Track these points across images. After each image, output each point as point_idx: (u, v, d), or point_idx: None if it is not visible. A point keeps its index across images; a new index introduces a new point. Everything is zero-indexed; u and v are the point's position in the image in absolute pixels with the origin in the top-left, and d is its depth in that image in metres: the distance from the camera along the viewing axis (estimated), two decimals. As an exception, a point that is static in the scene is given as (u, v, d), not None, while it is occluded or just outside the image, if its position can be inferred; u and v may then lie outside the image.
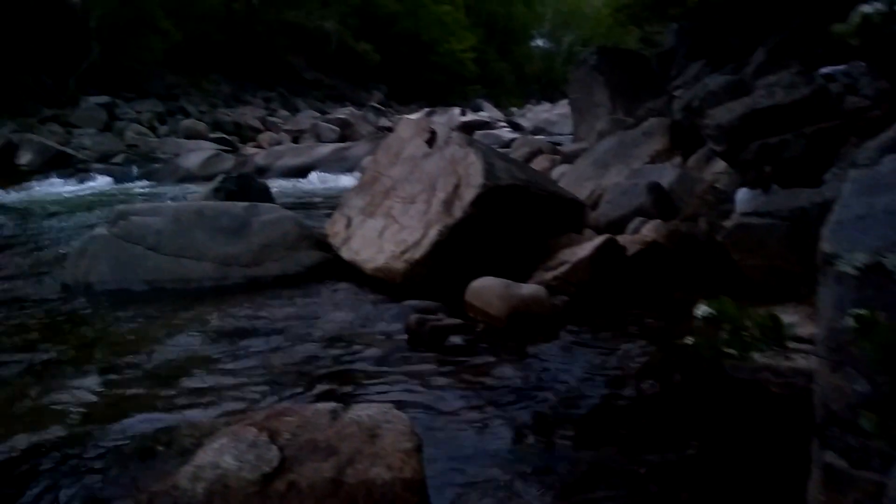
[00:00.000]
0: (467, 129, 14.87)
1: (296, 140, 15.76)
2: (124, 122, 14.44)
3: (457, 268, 3.06)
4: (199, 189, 8.08)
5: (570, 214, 3.55)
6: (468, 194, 3.11)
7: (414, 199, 3.38)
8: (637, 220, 3.44)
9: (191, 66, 19.56)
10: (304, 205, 6.21)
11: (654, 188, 3.60)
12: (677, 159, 4.48)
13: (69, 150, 11.71)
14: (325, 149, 10.95)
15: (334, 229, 3.71)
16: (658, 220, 3.33)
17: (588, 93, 7.73)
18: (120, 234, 3.41)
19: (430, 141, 3.63)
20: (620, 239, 3.06)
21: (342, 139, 15.62)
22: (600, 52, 8.12)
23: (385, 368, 2.19)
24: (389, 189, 3.59)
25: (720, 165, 3.91)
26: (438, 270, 3.08)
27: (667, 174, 3.87)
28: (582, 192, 4.42)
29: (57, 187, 8.69)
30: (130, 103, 15.99)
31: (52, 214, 6.27)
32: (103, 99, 14.94)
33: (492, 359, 2.25)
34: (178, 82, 18.97)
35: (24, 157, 10.98)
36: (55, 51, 15.41)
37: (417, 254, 3.08)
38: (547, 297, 2.61)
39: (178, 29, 17.54)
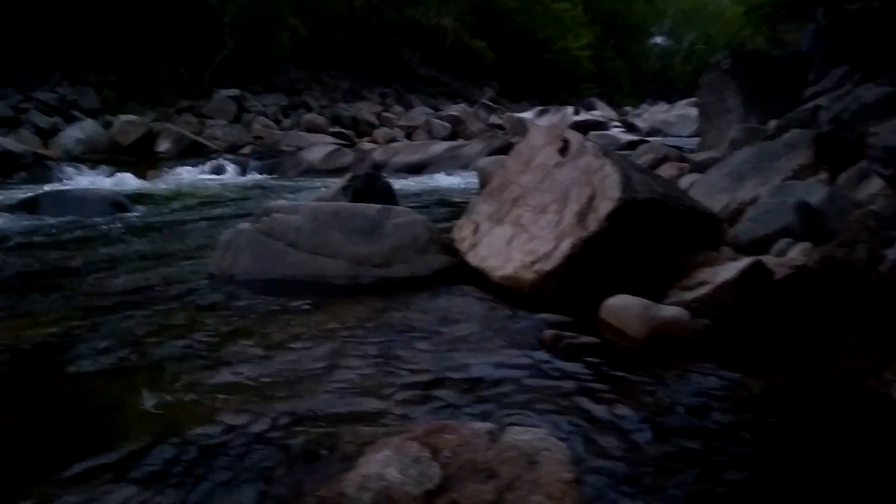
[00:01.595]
0: (581, 128, 14.62)
1: (409, 136, 16.10)
2: (252, 115, 15.26)
3: (588, 282, 3.01)
4: (320, 182, 8.43)
5: (706, 230, 3.40)
6: (604, 207, 3.04)
7: (545, 209, 3.35)
8: (783, 242, 3.25)
9: (314, 62, 20.38)
10: (421, 203, 6.31)
11: (803, 207, 3.38)
12: (824, 175, 4.19)
13: (202, 140, 12.51)
14: (440, 147, 11.09)
15: (461, 234, 3.74)
16: (808, 243, 3.13)
17: (719, 98, 7.40)
18: (263, 229, 3.59)
19: (563, 149, 3.58)
20: (766, 261, 2.90)
21: (453, 136, 15.80)
22: (734, 55, 7.75)
23: (524, 384, 2.18)
24: (519, 197, 3.58)
25: (877, 185, 3.62)
26: (569, 284, 3.04)
27: (815, 192, 3.62)
28: (715, 206, 4.23)
29: (191, 175, 9.29)
30: (258, 96, 16.87)
31: (190, 202, 6.71)
32: (234, 92, 15.85)
33: (632, 382, 2.20)
34: (302, 77, 19.82)
35: (162, 146, 11.82)
36: (192, 46, 16.48)
37: (548, 265, 3.05)
38: (689, 321, 2.52)
39: (303, 26, 18.27)
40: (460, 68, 26.03)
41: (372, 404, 2.04)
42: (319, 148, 10.90)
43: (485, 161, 8.04)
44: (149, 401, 2.13)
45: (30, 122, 11.07)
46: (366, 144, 14.16)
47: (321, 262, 3.48)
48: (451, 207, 6.20)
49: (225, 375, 2.32)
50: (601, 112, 22.87)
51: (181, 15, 16.51)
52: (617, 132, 17.26)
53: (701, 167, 5.77)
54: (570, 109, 19.92)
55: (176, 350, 2.56)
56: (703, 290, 2.79)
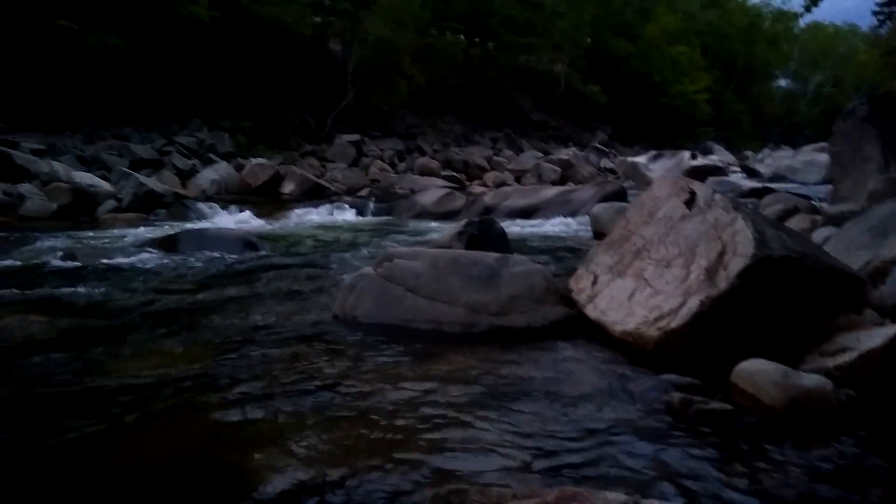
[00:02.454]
0: (698, 173, 14.15)
1: (518, 179, 16.19)
2: (369, 159, 15.91)
3: (717, 343, 2.88)
4: (434, 225, 8.61)
5: (847, 291, 3.17)
6: (735, 264, 2.91)
7: (670, 263, 3.25)
8: (938, 307, 2.97)
9: (429, 108, 21.06)
10: (534, 250, 6.28)
11: (961, 270, 3.09)
12: (983, 233, 3.81)
13: (323, 182, 13.15)
14: (551, 191, 11.06)
15: (579, 285, 3.69)
16: (968, 310, 2.85)
17: (855, 146, 6.94)
18: (384, 274, 3.71)
19: (690, 202, 3.48)
20: (919, 328, 2.66)
21: (563, 180, 15.74)
22: (871, 100, 7.27)
23: (653, 451, 2.09)
24: (641, 249, 3.50)
25: None
26: (696, 344, 2.91)
27: (975, 253, 3.30)
28: (854, 263, 3.93)
29: (313, 216, 9.76)
30: (375, 141, 17.60)
31: (313, 242, 7.04)
32: (353, 137, 16.62)
33: (772, 456, 2.06)
34: (417, 122, 20.51)
35: (288, 187, 12.51)
36: (318, 94, 17.49)
37: (674, 323, 2.94)
38: (832, 391, 2.34)
39: (421, 74, 18.98)
40: (572, 112, 26.03)
41: (494, 462, 2.02)
42: (432, 192, 11.16)
43: (599, 207, 7.93)
44: (276, 443, 2.22)
45: (171, 163, 12.07)
46: (476, 188, 14.38)
47: (439, 308, 3.53)
48: (565, 255, 6.14)
49: (349, 421, 2.38)
50: (719, 157, 22.05)
51: (309, 65, 17.61)
52: (737, 178, 16.56)
53: (836, 220, 5.41)
54: (686, 154, 19.33)
55: (300, 391, 2.66)
56: (846, 358, 2.59)
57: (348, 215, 10.05)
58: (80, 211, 8.92)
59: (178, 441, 2.32)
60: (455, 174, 15.68)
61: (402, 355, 3.11)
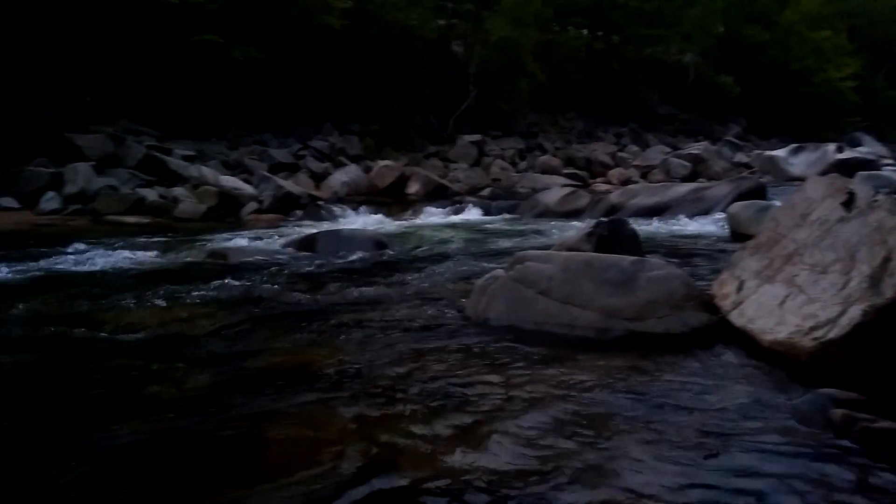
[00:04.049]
0: (845, 167, 13.03)
1: (644, 176, 15.64)
2: (490, 158, 15.98)
3: (881, 355, 2.65)
4: (558, 224, 8.51)
5: None
6: (905, 271, 2.67)
7: (826, 269, 3.02)
8: None
9: (550, 105, 20.82)
10: (666, 251, 6.05)
11: None
12: None
13: (446, 183, 13.36)
14: (682, 188, 10.58)
15: (723, 291, 3.52)
16: None
17: None
18: (516, 276, 3.71)
19: (848, 203, 3.22)
20: None
21: (693, 175, 15.00)
22: None
23: (820, 476, 1.95)
24: (793, 254, 3.28)
25: None
26: (857, 356, 2.69)
27: None
28: None
29: (437, 216, 9.95)
30: (496, 140, 17.64)
31: (439, 242, 7.16)
32: (475, 137, 16.74)
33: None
34: (538, 120, 20.34)
35: (413, 188, 12.82)
36: (440, 95, 17.79)
37: (832, 333, 2.73)
38: None
39: (542, 71, 18.80)
40: (703, 105, 24.79)
41: (639, 479, 1.97)
42: (555, 190, 11.02)
43: (736, 206, 7.51)
44: (412, 438, 2.29)
45: (306, 167, 12.74)
46: (600, 185, 14.05)
47: (571, 312, 3.49)
48: (699, 257, 5.87)
49: (483, 422, 2.41)
50: (869, 148, 20.20)
51: (433, 68, 17.96)
52: (892, 172, 15.11)
53: None
54: (831, 146, 17.87)
55: (436, 391, 2.72)
56: None
57: (471, 215, 10.15)
58: (225, 212, 9.61)
59: (321, 429, 2.44)
60: (577, 172, 15.41)
61: (535, 359, 3.11)
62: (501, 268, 3.93)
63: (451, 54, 19.54)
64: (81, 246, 6.57)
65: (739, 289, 3.41)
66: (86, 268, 5.70)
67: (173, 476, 2.11)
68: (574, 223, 8.04)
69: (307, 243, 6.52)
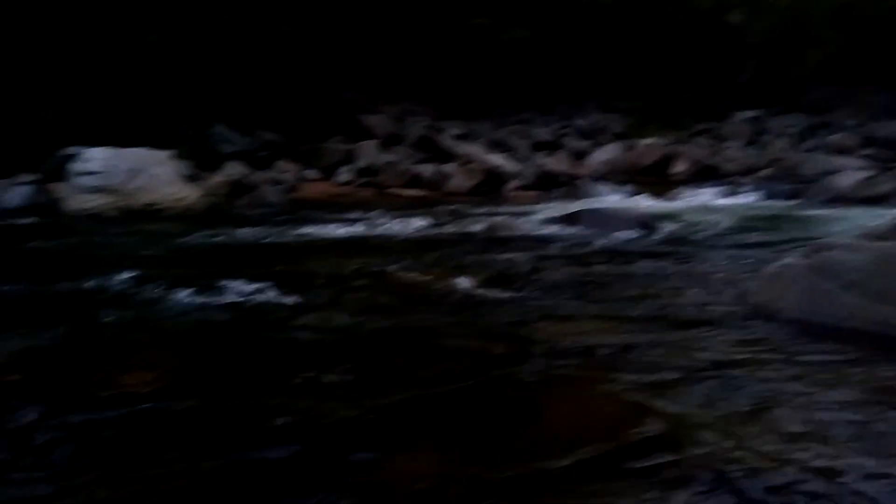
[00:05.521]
0: None
1: (971, 160, 12.98)
2: (769, 137, 14.49)
3: None
4: (854, 212, 7.45)
5: None
6: None
7: None
8: None
9: (844, 78, 18.21)
10: None
11: None
12: None
13: (716, 163, 12.44)
14: None
15: None
16: None
17: None
18: (814, 266, 3.34)
19: None
20: None
21: None
22: None
23: None
24: None
25: None
26: None
27: None
28: None
29: (706, 198, 9.31)
30: (776, 117, 15.94)
31: (711, 226, 6.70)
32: (751, 113, 15.32)
33: None
34: (827, 95, 17.92)
35: (678, 167, 12.17)
36: (712, 70, 16.57)
37: None
38: None
39: (836, 39, 16.51)
40: None
41: None
42: (850, 173, 9.66)
43: None
44: (695, 421, 2.18)
45: (566, 145, 12.78)
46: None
47: (885, 311, 3.04)
48: None
49: (780, 415, 2.22)
50: None
51: (704, 41, 16.77)
52: None
53: None
54: None
55: (716, 379, 2.56)
56: None
57: (746, 198, 9.33)
58: (489, 188, 10.06)
59: (601, 400, 2.45)
60: (878, 153, 13.30)
61: (838, 359, 2.78)
62: (793, 257, 3.56)
63: (726, 25, 18.04)
64: (369, 213, 7.38)
65: None
66: (374, 232, 6.41)
67: (462, 428, 2.27)
68: (878, 211, 6.98)
69: (570, 220, 6.55)
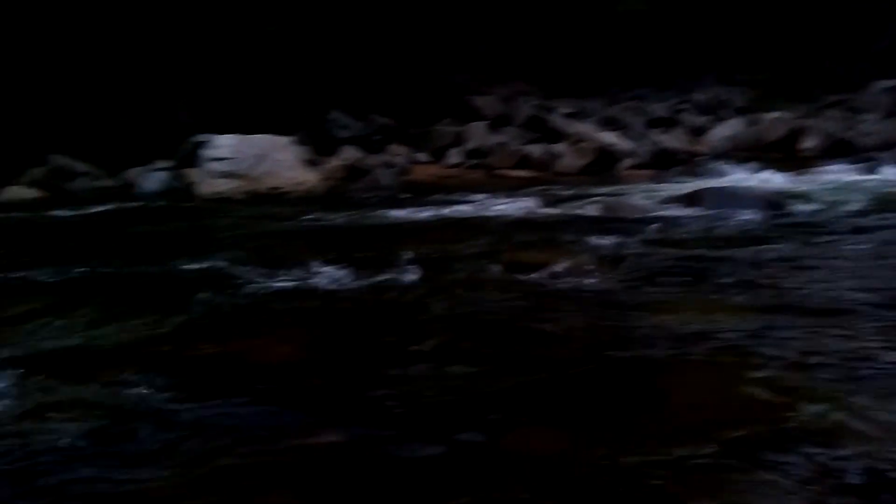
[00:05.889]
0: None
1: None
2: (915, 107, 13.20)
3: None
4: None
5: None
6: None
7: None
8: None
9: None
10: None
11: None
12: None
13: (850, 137, 11.50)
14: None
15: None
16: None
17: None
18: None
19: None
20: None
21: None
22: None
23: None
24: None
25: None
26: None
27: None
28: None
29: (840, 175, 8.60)
30: (923, 86, 14.47)
31: (848, 204, 6.19)
32: (890, 82, 13.98)
33: None
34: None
35: (807, 142, 11.37)
36: (845, 36, 15.25)
37: None
38: None
39: None
40: None
41: None
42: None
43: None
44: (834, 416, 2.04)
45: (684, 121, 12.22)
46: None
47: None
48: None
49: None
50: None
51: (836, 5, 15.46)
52: None
53: None
54: None
55: (876, 374, 2.38)
56: None
57: (885, 175, 8.55)
58: (601, 167, 9.82)
59: (726, 385, 2.35)
60: None
61: None
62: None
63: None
64: (479, 195, 7.39)
65: None
66: (484, 213, 6.43)
67: (583, 410, 2.25)
68: None
69: (691, 199, 6.27)
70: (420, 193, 7.79)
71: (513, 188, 8.06)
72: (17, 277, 3.99)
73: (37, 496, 1.71)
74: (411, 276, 3.79)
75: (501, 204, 6.82)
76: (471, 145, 10.49)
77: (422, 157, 10.49)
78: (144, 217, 6.62)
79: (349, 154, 9.33)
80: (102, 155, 8.67)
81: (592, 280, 3.81)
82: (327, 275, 3.73)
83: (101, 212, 6.71)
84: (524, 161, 9.99)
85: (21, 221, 6.47)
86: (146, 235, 5.64)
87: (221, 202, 7.14)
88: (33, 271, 4.11)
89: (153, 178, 8.00)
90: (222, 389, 2.31)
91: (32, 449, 1.90)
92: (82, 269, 4.16)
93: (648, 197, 6.97)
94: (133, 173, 8.34)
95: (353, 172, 8.80)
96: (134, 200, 7.42)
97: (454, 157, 10.37)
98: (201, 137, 7.88)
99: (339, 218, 6.27)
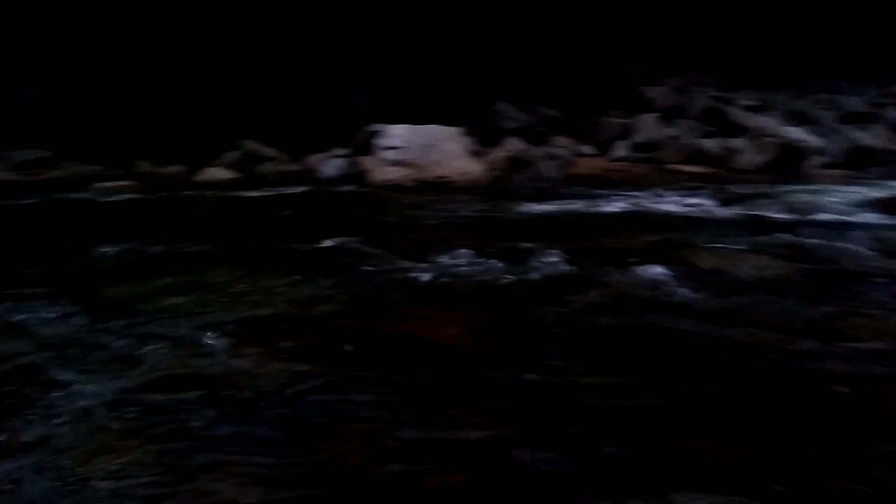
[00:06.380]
0: None
1: None
2: None
3: None
4: None
5: None
6: None
7: None
8: None
9: None
10: None
11: None
12: None
13: None
14: None
15: None
16: None
17: None
18: None
19: None
20: None
21: None
22: None
23: None
24: None
25: None
26: None
27: None
28: None
29: None
30: None
31: None
32: None
33: None
34: None
35: None
36: None
37: None
38: None
39: None
40: None
41: None
42: None
43: None
44: None
45: (885, 117, 10.95)
46: None
47: None
48: None
49: None
50: None
51: None
52: None
53: None
54: None
55: None
56: None
57: None
58: (785, 165, 9.09)
59: None
60: None
61: None
62: None
63: None
64: (647, 190, 7.14)
65: None
66: (652, 209, 6.20)
67: (763, 420, 2.12)
68: None
69: (891, 204, 5.65)
70: (584, 187, 7.67)
71: (685, 184, 7.70)
72: (217, 250, 4.49)
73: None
74: (573, 270, 3.75)
75: (672, 200, 6.56)
76: (639, 138, 10.14)
77: (587, 149, 10.31)
78: (323, 200, 7.12)
79: (513, 145, 9.37)
80: (288, 141, 9.45)
81: (772, 286, 3.56)
82: (490, 264, 3.81)
83: (286, 193, 7.31)
84: (697, 156, 9.50)
85: (218, 199, 7.20)
86: (325, 217, 6.06)
87: (392, 189, 7.49)
88: (230, 244, 4.61)
89: (332, 164, 8.56)
90: (401, 367, 2.45)
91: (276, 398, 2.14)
92: (270, 244, 4.61)
93: (841, 200, 6.37)
94: (314, 159, 8.98)
95: (517, 164, 8.84)
96: (315, 184, 7.99)
97: (620, 149, 10.08)
98: (375, 127, 8.30)
99: (501, 209, 6.34)
